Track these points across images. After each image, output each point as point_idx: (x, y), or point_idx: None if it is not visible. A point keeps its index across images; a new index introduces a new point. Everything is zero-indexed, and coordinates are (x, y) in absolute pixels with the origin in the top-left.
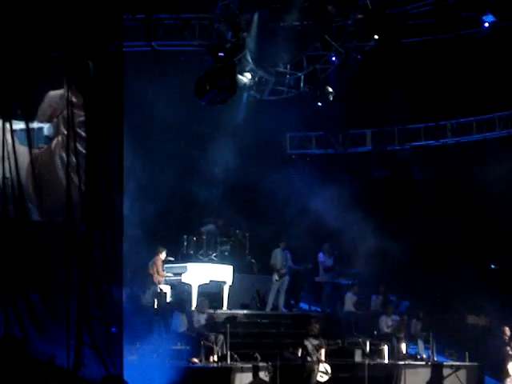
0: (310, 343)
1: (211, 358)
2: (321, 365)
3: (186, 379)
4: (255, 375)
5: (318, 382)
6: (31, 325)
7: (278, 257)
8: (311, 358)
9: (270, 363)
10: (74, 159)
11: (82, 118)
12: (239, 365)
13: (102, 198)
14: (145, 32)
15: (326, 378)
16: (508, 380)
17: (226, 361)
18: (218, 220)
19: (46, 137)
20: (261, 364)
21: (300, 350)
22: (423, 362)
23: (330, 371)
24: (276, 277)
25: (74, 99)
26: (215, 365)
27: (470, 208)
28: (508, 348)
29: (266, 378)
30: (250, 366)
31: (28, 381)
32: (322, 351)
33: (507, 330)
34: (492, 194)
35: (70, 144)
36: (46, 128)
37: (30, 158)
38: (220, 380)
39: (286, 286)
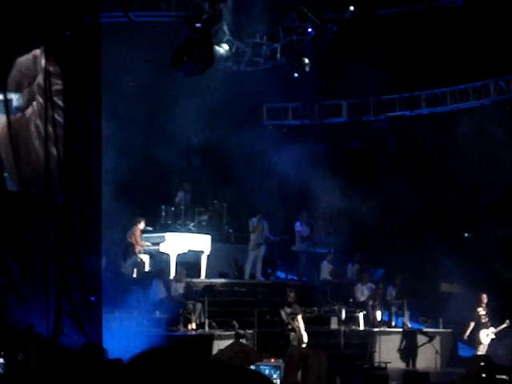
0: (284, 312)
1: (189, 326)
2: (298, 333)
3: (163, 346)
4: (248, 341)
5: None
6: (11, 293)
7: (256, 226)
8: (286, 326)
9: (248, 331)
10: (51, 129)
11: (59, 87)
12: (219, 332)
13: (80, 167)
14: (122, 3)
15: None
16: (481, 347)
17: (204, 329)
18: (184, 185)
19: (16, 108)
20: (241, 331)
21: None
22: (398, 329)
23: (305, 339)
24: (251, 246)
25: (51, 69)
26: (193, 332)
27: (443, 177)
28: (482, 315)
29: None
30: (231, 333)
31: (7, 346)
32: (299, 317)
33: (484, 297)
34: (466, 164)
35: (47, 113)
36: (16, 99)
37: (7, 128)
38: (200, 347)
39: (262, 255)
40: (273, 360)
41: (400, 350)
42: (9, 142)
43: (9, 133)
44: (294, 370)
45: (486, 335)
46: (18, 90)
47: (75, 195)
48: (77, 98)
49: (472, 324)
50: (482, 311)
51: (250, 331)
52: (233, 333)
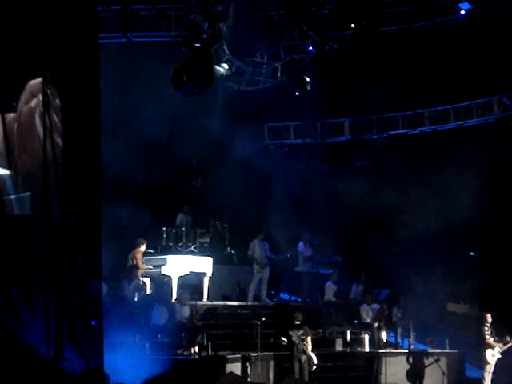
0: (294, 334)
1: (192, 349)
2: (308, 354)
3: (170, 371)
4: (244, 365)
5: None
6: (10, 318)
7: (257, 248)
8: (297, 347)
9: (252, 354)
10: (51, 153)
11: (58, 109)
12: (223, 356)
13: (81, 191)
14: (120, 23)
15: (312, 367)
16: (487, 367)
17: (208, 352)
18: (183, 207)
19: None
20: (252, 354)
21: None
22: (404, 351)
23: (315, 361)
24: (256, 268)
25: (49, 92)
26: (196, 356)
27: (449, 196)
28: (487, 335)
29: (255, 368)
30: (236, 356)
31: None
32: (308, 339)
33: (489, 316)
34: (469, 183)
35: (45, 136)
36: None
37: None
38: (204, 371)
39: (267, 277)
40: None
41: (406, 372)
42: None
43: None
44: None
45: (492, 355)
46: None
47: (75, 218)
48: (76, 120)
49: (491, 341)
50: (487, 331)
51: (255, 354)
52: (237, 356)
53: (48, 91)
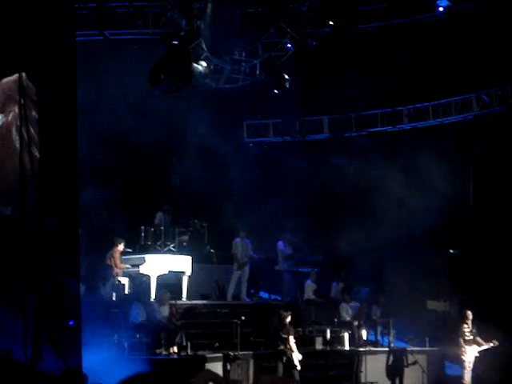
0: (281, 332)
1: (171, 349)
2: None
3: (150, 371)
4: (225, 365)
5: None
6: None
7: (239, 246)
8: (279, 346)
9: (232, 352)
10: (27, 154)
11: (35, 114)
12: (203, 355)
13: (57, 189)
14: (97, 21)
15: (297, 367)
16: (465, 364)
17: (187, 352)
18: (163, 205)
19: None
20: (231, 353)
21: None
22: (384, 349)
23: (297, 362)
24: (235, 266)
25: (26, 88)
26: (175, 356)
27: (429, 192)
28: (466, 332)
29: (235, 367)
30: (217, 355)
31: None
32: (290, 339)
33: (469, 313)
34: (449, 180)
35: (23, 139)
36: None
37: None
38: (183, 371)
39: (247, 276)
40: None
41: (386, 370)
42: None
43: None
44: None
45: (468, 353)
46: (2, 110)
47: (52, 217)
48: (53, 115)
49: (461, 340)
50: (466, 328)
51: (243, 353)
52: (218, 355)
53: (25, 87)
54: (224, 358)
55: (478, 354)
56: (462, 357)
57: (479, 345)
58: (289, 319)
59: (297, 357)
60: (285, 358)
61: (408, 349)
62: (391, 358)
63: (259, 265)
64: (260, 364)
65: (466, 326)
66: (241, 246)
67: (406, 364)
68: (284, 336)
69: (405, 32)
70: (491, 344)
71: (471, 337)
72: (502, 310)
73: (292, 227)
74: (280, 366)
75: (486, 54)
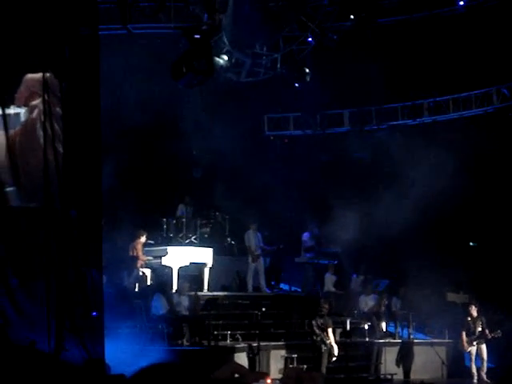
0: (315, 323)
1: (193, 339)
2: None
3: (171, 360)
4: (252, 354)
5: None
6: (12, 310)
7: (252, 238)
8: (317, 337)
9: (253, 343)
10: (51, 149)
11: (58, 109)
12: (225, 345)
13: (81, 181)
14: (120, 15)
15: (332, 358)
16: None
17: (209, 342)
18: (185, 198)
19: (25, 121)
20: (254, 344)
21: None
22: (403, 340)
23: (336, 353)
24: (250, 259)
25: (50, 84)
26: (198, 347)
27: (448, 185)
28: (470, 324)
29: (258, 359)
30: (240, 346)
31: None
32: (329, 330)
33: (473, 308)
34: (472, 173)
35: (47, 132)
36: (23, 113)
37: (6, 143)
38: (206, 361)
39: (263, 267)
40: (268, 381)
41: (406, 362)
42: (10, 157)
43: (10, 147)
44: None
45: (468, 344)
46: (26, 105)
47: (76, 208)
48: (76, 109)
49: (463, 333)
50: (469, 320)
51: (264, 344)
52: (242, 345)
53: (49, 83)
54: (248, 349)
55: (479, 345)
56: (463, 348)
57: (485, 336)
58: (326, 309)
59: (336, 347)
60: (324, 348)
61: (427, 340)
62: (411, 349)
63: (281, 256)
64: (285, 356)
65: (469, 319)
66: (253, 238)
67: (425, 355)
68: (323, 326)
69: (425, 25)
70: (494, 335)
71: (474, 329)
72: None
73: (313, 220)
74: (317, 356)
75: (506, 48)
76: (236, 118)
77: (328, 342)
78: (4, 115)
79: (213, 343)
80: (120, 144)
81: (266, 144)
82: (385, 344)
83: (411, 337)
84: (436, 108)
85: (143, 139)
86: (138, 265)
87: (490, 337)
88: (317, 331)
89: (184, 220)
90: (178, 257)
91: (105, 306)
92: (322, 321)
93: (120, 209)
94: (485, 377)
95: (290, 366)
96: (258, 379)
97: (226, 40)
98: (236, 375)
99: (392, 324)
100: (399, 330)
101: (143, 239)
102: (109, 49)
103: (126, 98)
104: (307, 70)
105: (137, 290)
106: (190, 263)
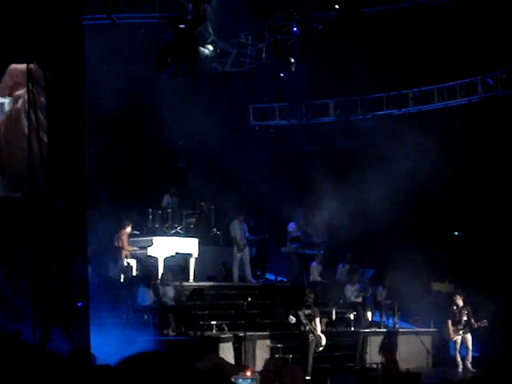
0: (302, 313)
1: (179, 330)
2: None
3: (156, 350)
4: (238, 344)
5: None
6: None
7: (237, 229)
8: (304, 327)
9: (239, 333)
10: (36, 139)
11: (43, 99)
12: (210, 335)
13: (66, 172)
14: (104, 5)
15: (319, 348)
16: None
17: (194, 332)
18: (170, 188)
19: (9, 111)
20: (240, 334)
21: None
22: (388, 330)
23: (323, 342)
24: (235, 249)
25: (34, 74)
26: (183, 337)
27: (433, 175)
28: (455, 313)
29: (244, 348)
30: (226, 336)
31: None
32: (317, 320)
33: (458, 298)
34: (456, 163)
35: (31, 122)
36: (7, 103)
37: None
38: (192, 351)
39: (248, 257)
40: (248, 373)
41: (386, 350)
42: None
43: None
44: None
45: (454, 332)
46: (10, 95)
47: (60, 198)
48: (61, 99)
49: (449, 322)
50: (455, 309)
51: (250, 334)
52: (228, 335)
53: (33, 72)
54: (234, 339)
55: (461, 334)
56: (448, 337)
57: (471, 325)
58: (312, 299)
59: (323, 337)
60: (311, 338)
61: (412, 329)
62: (396, 338)
63: (266, 246)
64: (270, 345)
65: (455, 308)
66: (239, 228)
67: (410, 345)
68: (310, 317)
69: (410, 15)
70: (480, 324)
71: (458, 318)
72: (505, 292)
73: (299, 210)
74: (302, 346)
75: (491, 37)
76: (221, 108)
77: (315, 331)
78: None
79: (199, 333)
80: (104, 133)
81: (252, 134)
82: (370, 333)
83: (396, 326)
84: (421, 98)
85: (127, 128)
86: (123, 255)
87: (476, 326)
88: (304, 321)
89: (170, 210)
90: (164, 247)
91: (90, 296)
92: (308, 311)
93: (105, 199)
94: (470, 366)
95: (268, 358)
96: (239, 372)
97: (210, 30)
98: (216, 367)
99: (377, 313)
100: (384, 319)
101: (128, 229)
102: (90, 36)
103: (110, 85)
104: (292, 60)
105: (122, 280)
106: (176, 253)
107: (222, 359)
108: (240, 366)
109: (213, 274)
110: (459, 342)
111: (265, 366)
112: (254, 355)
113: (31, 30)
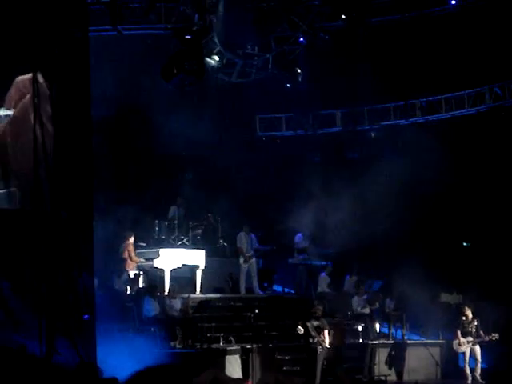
0: (311, 324)
1: (186, 342)
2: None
3: (164, 363)
4: (246, 356)
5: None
6: (2, 313)
7: (244, 240)
8: (313, 339)
9: (247, 345)
10: (42, 149)
11: (48, 108)
12: (217, 347)
13: (72, 183)
14: (110, 16)
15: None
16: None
17: (201, 344)
18: (177, 199)
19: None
20: (248, 346)
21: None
22: (397, 342)
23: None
24: (242, 260)
25: (40, 86)
26: (191, 349)
27: (442, 185)
28: (464, 324)
29: (251, 361)
30: (233, 348)
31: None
32: (325, 332)
33: (467, 309)
34: (464, 173)
35: (37, 135)
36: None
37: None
38: (199, 364)
39: (256, 269)
40: None
41: (399, 363)
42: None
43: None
44: None
45: (463, 344)
46: (15, 107)
47: (67, 211)
48: (66, 113)
49: (458, 333)
50: (464, 320)
51: (257, 346)
52: (235, 348)
53: (39, 83)
54: (241, 351)
55: (469, 346)
56: (458, 348)
57: (479, 337)
58: (320, 311)
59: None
60: (320, 350)
61: (421, 341)
62: (404, 350)
63: (273, 258)
64: (273, 357)
65: (464, 317)
66: (245, 239)
67: (419, 356)
68: (319, 328)
69: (417, 25)
70: (491, 337)
71: (468, 329)
72: None
73: (306, 221)
74: (310, 358)
75: (499, 47)
76: (228, 119)
77: (323, 343)
78: None
79: (205, 346)
80: (110, 145)
81: (259, 145)
82: (378, 345)
83: (405, 338)
84: (428, 108)
85: (134, 140)
86: (130, 267)
87: (487, 339)
88: (312, 333)
89: (176, 222)
90: (170, 259)
91: (96, 308)
92: (317, 322)
93: (110, 211)
94: (479, 378)
95: (266, 371)
96: None
97: (217, 40)
98: (216, 382)
99: (385, 325)
100: (393, 330)
101: (132, 240)
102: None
103: (115, 100)
104: (299, 71)
105: (128, 292)
106: (183, 265)
107: (221, 373)
108: (240, 379)
109: (220, 286)
110: (468, 353)
111: (262, 379)
112: (261, 366)
113: (37, 42)
